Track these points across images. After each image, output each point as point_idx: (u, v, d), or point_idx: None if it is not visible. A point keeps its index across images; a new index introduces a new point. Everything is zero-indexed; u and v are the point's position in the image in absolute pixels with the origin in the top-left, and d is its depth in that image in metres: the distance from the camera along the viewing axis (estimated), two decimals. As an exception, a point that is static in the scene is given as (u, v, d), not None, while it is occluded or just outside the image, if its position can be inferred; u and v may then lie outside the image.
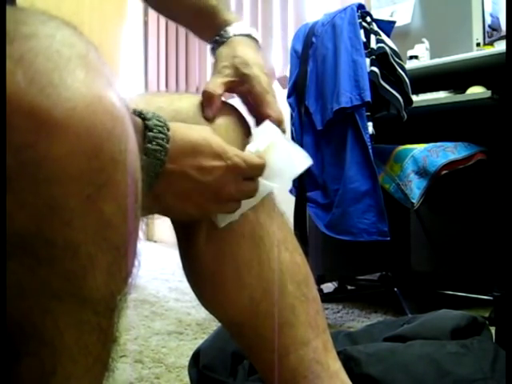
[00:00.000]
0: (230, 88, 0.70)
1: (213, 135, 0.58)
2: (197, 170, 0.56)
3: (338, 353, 0.72)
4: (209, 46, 0.77)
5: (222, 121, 0.67)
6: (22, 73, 0.29)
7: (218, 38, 0.74)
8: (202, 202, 0.58)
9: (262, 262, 0.66)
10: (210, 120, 0.66)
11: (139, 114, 0.52)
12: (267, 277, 0.66)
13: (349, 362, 0.79)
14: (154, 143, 0.51)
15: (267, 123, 0.67)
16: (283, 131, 0.68)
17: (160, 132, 0.52)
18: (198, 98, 0.68)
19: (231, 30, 0.74)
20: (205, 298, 0.70)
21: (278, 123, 0.68)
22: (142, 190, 0.37)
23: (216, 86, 0.68)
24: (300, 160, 0.65)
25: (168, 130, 0.53)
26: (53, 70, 0.30)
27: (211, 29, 0.75)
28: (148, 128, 0.51)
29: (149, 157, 0.50)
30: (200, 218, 0.63)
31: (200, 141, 0.57)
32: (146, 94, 0.72)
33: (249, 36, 0.75)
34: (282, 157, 0.64)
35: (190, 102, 0.66)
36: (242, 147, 0.65)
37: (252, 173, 0.60)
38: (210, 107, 0.66)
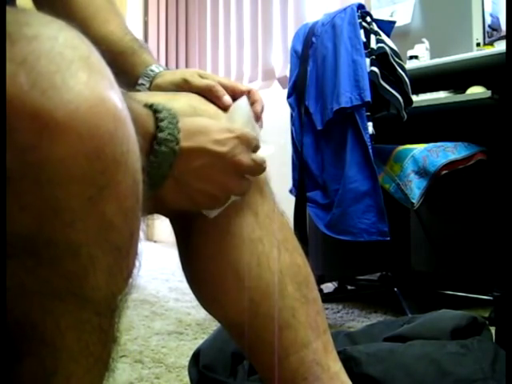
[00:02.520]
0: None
1: (215, 120, 0.62)
2: (213, 142, 0.58)
3: (338, 353, 0.72)
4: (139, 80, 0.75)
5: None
6: (25, 75, 0.29)
7: (150, 72, 0.74)
8: (224, 180, 0.60)
9: (261, 262, 0.66)
10: (225, 109, 0.68)
11: (150, 106, 0.54)
12: (267, 278, 0.65)
13: (349, 362, 0.79)
14: (164, 127, 0.52)
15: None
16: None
17: (169, 115, 0.53)
18: (194, 97, 0.68)
19: (159, 67, 0.74)
20: (204, 299, 0.70)
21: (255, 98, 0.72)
22: (143, 191, 0.37)
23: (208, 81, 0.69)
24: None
25: (178, 142, 0.54)
26: (55, 72, 0.30)
27: (136, 67, 0.75)
28: (158, 119, 0.52)
29: (161, 145, 0.51)
30: (225, 199, 0.63)
31: (206, 121, 0.60)
32: (142, 92, 0.72)
33: None
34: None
35: (185, 101, 0.66)
36: None
37: (255, 143, 0.63)
38: (222, 95, 0.68)
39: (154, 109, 0.53)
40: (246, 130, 0.62)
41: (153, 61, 0.75)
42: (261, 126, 0.71)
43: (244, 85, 0.74)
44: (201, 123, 0.59)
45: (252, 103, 0.71)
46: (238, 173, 0.61)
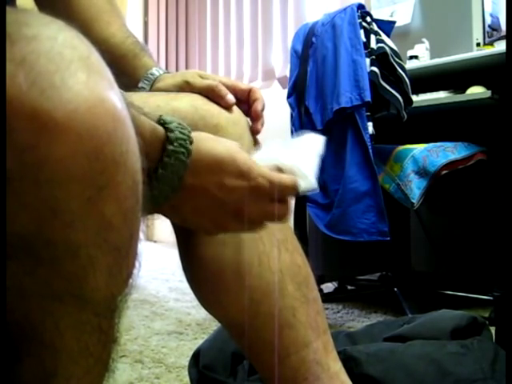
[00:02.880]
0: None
1: (239, 150, 0.55)
2: (219, 187, 0.53)
3: (338, 353, 0.72)
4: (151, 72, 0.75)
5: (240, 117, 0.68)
6: (24, 75, 0.29)
7: (150, 75, 0.73)
8: (221, 220, 0.56)
9: (261, 262, 0.66)
10: (229, 108, 0.67)
11: (163, 123, 0.50)
12: (267, 277, 0.66)
13: (349, 362, 0.79)
14: (172, 158, 0.49)
15: (310, 136, 0.60)
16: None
17: (181, 146, 0.49)
18: (196, 97, 0.68)
19: (159, 70, 0.74)
20: (205, 299, 0.70)
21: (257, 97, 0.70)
22: (143, 192, 0.37)
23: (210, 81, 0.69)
24: (314, 140, 0.60)
25: (191, 143, 0.51)
26: (54, 72, 0.30)
27: (137, 70, 0.74)
28: (169, 140, 0.49)
29: (166, 170, 0.49)
30: (217, 233, 0.61)
31: (225, 156, 0.53)
32: (144, 92, 0.72)
33: None
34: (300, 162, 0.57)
35: (188, 101, 0.66)
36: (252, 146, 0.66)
37: (282, 194, 0.55)
38: (225, 94, 0.67)
39: (166, 126, 0.50)
40: (269, 179, 0.54)
41: (153, 64, 0.75)
42: (262, 124, 0.71)
43: (245, 83, 0.74)
44: (219, 155, 0.53)
45: (253, 101, 0.71)
46: (242, 220, 0.56)
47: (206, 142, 0.53)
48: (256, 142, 0.70)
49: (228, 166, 0.53)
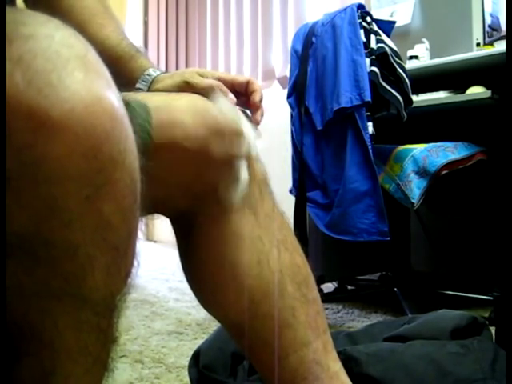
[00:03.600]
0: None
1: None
2: (182, 139, 0.57)
3: (338, 353, 0.72)
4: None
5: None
6: (21, 74, 0.29)
7: (147, 76, 0.73)
8: (198, 171, 0.58)
9: (261, 262, 0.66)
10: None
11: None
12: (267, 278, 0.65)
13: (349, 362, 0.79)
14: (138, 120, 0.51)
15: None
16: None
17: (139, 106, 0.53)
18: (196, 97, 0.67)
19: (156, 71, 0.74)
20: (205, 299, 0.70)
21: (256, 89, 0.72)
22: (141, 191, 0.37)
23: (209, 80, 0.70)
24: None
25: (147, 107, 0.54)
26: (51, 71, 0.30)
27: (133, 71, 0.75)
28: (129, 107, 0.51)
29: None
30: (203, 195, 0.62)
31: (182, 114, 0.59)
32: (143, 93, 0.72)
33: None
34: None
35: (188, 101, 0.66)
36: None
37: (234, 136, 0.60)
38: (226, 94, 0.68)
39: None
40: (223, 125, 0.60)
41: (150, 65, 0.75)
42: (262, 115, 0.71)
43: (243, 76, 0.74)
44: (175, 116, 0.58)
45: (251, 93, 0.71)
46: (214, 166, 0.59)
47: (164, 109, 0.57)
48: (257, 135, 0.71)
49: (188, 120, 0.58)
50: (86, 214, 0.32)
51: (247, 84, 0.71)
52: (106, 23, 0.76)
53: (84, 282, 0.34)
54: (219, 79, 0.69)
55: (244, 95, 0.72)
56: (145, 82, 0.73)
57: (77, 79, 0.31)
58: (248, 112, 0.71)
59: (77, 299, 0.34)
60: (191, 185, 0.59)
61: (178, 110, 0.59)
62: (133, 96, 0.53)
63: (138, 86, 0.73)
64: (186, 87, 0.69)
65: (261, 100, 0.71)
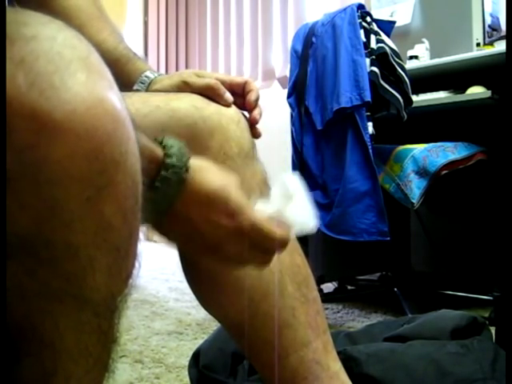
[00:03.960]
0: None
1: (234, 187, 0.53)
2: (205, 221, 0.51)
3: (338, 353, 0.72)
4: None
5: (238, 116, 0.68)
6: (23, 75, 0.29)
7: (145, 78, 0.73)
8: (201, 250, 0.55)
9: (261, 263, 0.65)
10: (228, 107, 0.67)
11: (164, 146, 0.49)
12: (267, 278, 0.66)
13: (349, 362, 0.79)
14: (165, 185, 0.48)
15: (288, 176, 0.56)
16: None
17: (175, 174, 0.48)
18: (196, 97, 0.68)
19: (154, 73, 0.74)
20: (205, 299, 0.70)
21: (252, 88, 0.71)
22: (142, 192, 0.37)
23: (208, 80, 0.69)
24: (312, 218, 0.56)
25: (187, 170, 0.49)
26: (54, 73, 0.30)
27: (131, 74, 0.74)
28: (165, 166, 0.48)
29: (156, 195, 0.48)
30: (194, 260, 0.63)
31: (219, 192, 0.51)
32: (143, 92, 0.72)
33: None
34: (299, 213, 0.55)
35: (187, 101, 0.66)
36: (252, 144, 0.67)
37: (265, 244, 0.53)
38: (224, 93, 0.68)
39: (165, 152, 0.49)
40: (259, 227, 0.52)
41: (147, 67, 0.75)
42: (260, 114, 0.71)
43: (241, 77, 0.74)
44: (212, 189, 0.51)
45: (247, 93, 0.71)
46: (217, 255, 0.54)
47: (204, 174, 0.52)
48: (257, 134, 0.71)
49: (220, 203, 0.51)
50: (87, 215, 0.32)
51: (244, 84, 0.72)
52: (103, 27, 0.76)
53: (85, 282, 0.34)
54: (217, 80, 0.69)
55: (242, 96, 0.72)
56: (143, 83, 0.73)
57: (79, 81, 0.31)
58: (246, 114, 0.72)
59: (78, 300, 0.34)
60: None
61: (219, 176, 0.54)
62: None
63: (135, 87, 0.73)
64: (185, 87, 0.69)
65: (256, 99, 0.71)
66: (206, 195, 0.51)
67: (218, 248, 0.53)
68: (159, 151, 0.48)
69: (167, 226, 0.52)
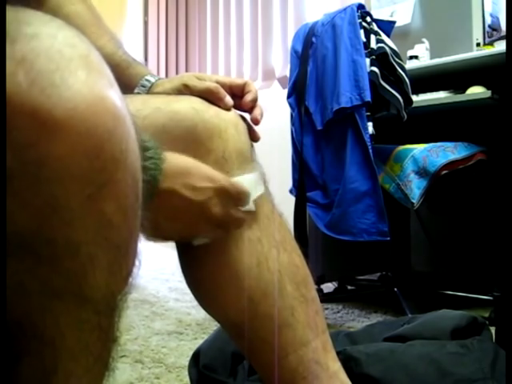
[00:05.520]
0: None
1: (202, 163, 0.62)
2: (188, 189, 0.59)
3: (338, 353, 0.72)
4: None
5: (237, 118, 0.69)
6: (24, 73, 0.29)
7: (146, 82, 0.74)
8: (190, 222, 0.61)
9: (260, 263, 0.66)
10: (228, 110, 0.68)
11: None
12: (266, 278, 0.66)
13: (349, 362, 0.79)
14: (149, 162, 0.53)
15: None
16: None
17: (155, 152, 0.54)
18: (195, 99, 0.68)
19: (154, 77, 0.75)
20: (204, 300, 0.70)
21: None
22: (143, 190, 0.37)
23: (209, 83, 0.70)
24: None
25: (161, 153, 0.55)
26: (54, 71, 0.30)
27: (132, 79, 0.75)
28: (144, 148, 0.52)
29: (145, 175, 0.51)
30: (188, 239, 0.65)
31: (191, 164, 0.61)
32: (143, 94, 0.73)
33: None
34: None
35: (187, 103, 0.67)
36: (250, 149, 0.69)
37: (238, 198, 0.64)
38: (224, 96, 0.68)
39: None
40: (230, 183, 0.62)
41: (148, 72, 0.75)
42: (261, 115, 0.72)
43: (241, 79, 0.75)
44: (184, 164, 0.60)
45: (245, 93, 0.72)
46: (209, 222, 0.62)
47: (171, 155, 0.58)
48: (256, 138, 0.71)
49: (195, 171, 0.60)
50: (87, 213, 0.32)
51: (244, 85, 0.72)
52: (101, 33, 0.77)
53: (85, 280, 0.34)
54: (217, 82, 0.70)
55: (241, 98, 0.72)
56: (144, 87, 0.73)
57: (79, 79, 0.31)
58: (247, 116, 0.72)
59: (78, 298, 0.34)
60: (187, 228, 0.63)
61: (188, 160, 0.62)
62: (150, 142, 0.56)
63: (136, 91, 0.73)
64: (185, 90, 0.70)
65: (253, 100, 0.72)
66: (184, 167, 0.60)
67: (206, 214, 0.61)
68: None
69: (154, 211, 0.55)
